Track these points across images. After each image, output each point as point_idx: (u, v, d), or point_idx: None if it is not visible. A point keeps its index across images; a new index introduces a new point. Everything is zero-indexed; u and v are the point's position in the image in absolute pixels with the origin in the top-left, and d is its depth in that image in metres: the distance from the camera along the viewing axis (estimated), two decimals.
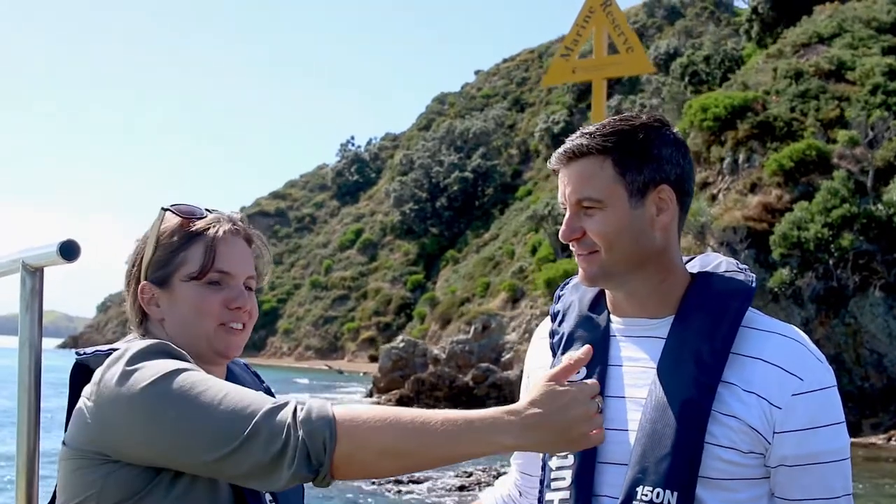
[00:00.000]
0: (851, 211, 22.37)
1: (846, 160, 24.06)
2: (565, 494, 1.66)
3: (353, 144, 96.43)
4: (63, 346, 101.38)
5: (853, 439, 19.61)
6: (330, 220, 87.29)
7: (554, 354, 1.79)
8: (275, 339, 74.06)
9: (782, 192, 24.18)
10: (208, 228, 1.62)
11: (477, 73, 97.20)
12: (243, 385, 1.60)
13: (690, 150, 1.86)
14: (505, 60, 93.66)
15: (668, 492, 1.54)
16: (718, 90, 31.38)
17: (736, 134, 26.25)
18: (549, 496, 1.70)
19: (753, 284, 1.69)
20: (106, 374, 1.47)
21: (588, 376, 1.66)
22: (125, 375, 1.44)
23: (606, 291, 1.77)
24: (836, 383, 1.61)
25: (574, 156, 1.66)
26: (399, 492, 14.72)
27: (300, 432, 1.36)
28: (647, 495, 1.56)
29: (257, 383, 1.77)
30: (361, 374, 53.76)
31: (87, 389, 1.49)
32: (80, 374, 1.57)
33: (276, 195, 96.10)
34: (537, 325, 2.06)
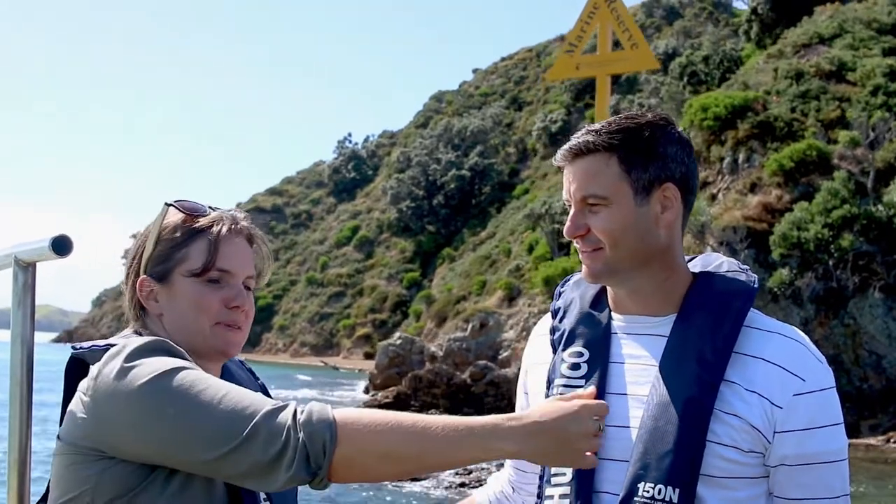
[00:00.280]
0: (852, 212, 22.34)
1: (846, 161, 24.03)
2: (566, 490, 1.67)
3: (350, 141, 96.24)
4: (57, 340, 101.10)
5: (852, 440, 19.61)
6: (326, 217, 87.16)
7: (554, 351, 1.79)
8: (270, 335, 73.95)
9: (782, 192, 24.15)
10: (211, 226, 1.62)
11: (475, 71, 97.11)
12: (239, 382, 1.63)
13: None
14: (503, 59, 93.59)
15: (669, 488, 1.55)
16: (719, 90, 31.33)
17: (736, 134, 26.22)
18: (549, 491, 1.70)
19: (755, 285, 1.70)
20: (104, 370, 1.45)
21: (589, 373, 1.69)
22: (123, 371, 1.43)
23: (608, 288, 1.77)
24: (835, 384, 1.63)
25: (580, 153, 1.67)
26: (399, 489, 14.67)
27: (300, 434, 1.35)
28: (648, 492, 1.56)
29: (252, 380, 1.77)
30: (357, 371, 53.68)
31: (84, 384, 1.48)
32: (76, 369, 1.56)
33: (272, 191, 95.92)
34: (535, 324, 2.08)
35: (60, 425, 1.52)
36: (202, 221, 1.62)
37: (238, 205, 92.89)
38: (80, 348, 1.56)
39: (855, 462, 17.04)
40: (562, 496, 1.67)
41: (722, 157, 26.33)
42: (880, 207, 22.56)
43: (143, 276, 1.62)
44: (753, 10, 45.86)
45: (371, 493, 14.31)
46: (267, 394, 1.68)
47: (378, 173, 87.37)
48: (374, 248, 76.05)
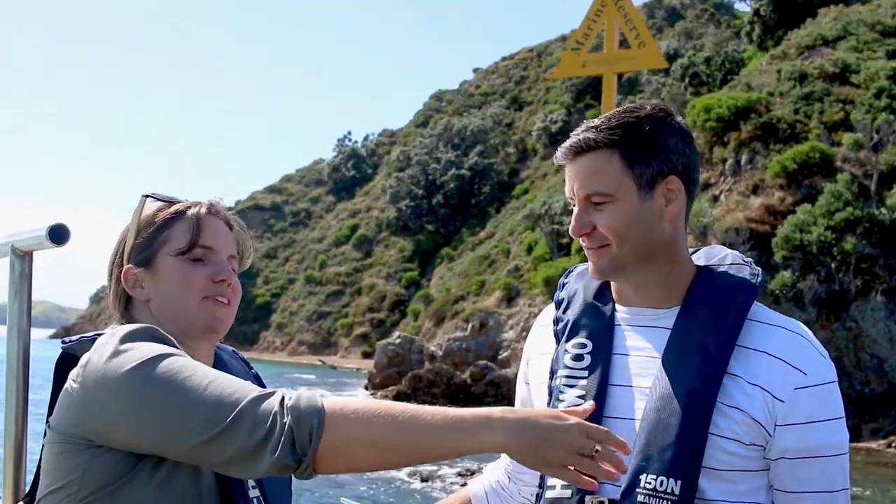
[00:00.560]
0: (855, 214, 22.26)
1: (850, 163, 23.95)
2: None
3: (350, 140, 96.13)
4: (55, 336, 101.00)
5: (853, 445, 19.53)
6: (325, 216, 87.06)
7: (558, 342, 1.79)
8: (268, 333, 73.86)
9: (785, 194, 24.08)
10: (189, 208, 1.64)
11: (475, 71, 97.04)
12: (231, 372, 1.64)
13: None
14: (504, 59, 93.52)
15: (671, 480, 1.56)
16: (722, 91, 31.25)
17: (739, 135, 26.15)
18: (551, 482, 1.69)
19: (759, 278, 1.70)
20: (93, 357, 1.46)
21: (593, 364, 1.69)
22: (111, 358, 1.44)
23: (612, 281, 1.77)
24: (836, 378, 1.63)
25: (581, 150, 1.66)
26: (401, 485, 14.59)
27: (287, 419, 1.34)
28: (650, 483, 1.57)
29: (245, 370, 1.77)
30: (354, 370, 53.61)
31: (74, 372, 1.48)
32: (67, 363, 1.56)
33: (271, 189, 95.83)
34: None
35: (49, 415, 1.51)
36: (180, 206, 1.64)
37: (237, 202, 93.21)
38: (70, 341, 1.56)
39: (856, 466, 16.95)
40: (563, 486, 1.66)
41: (724, 159, 26.27)
42: (883, 210, 22.49)
43: (126, 266, 1.62)
44: (756, 12, 45.85)
45: (371, 491, 14.22)
46: (260, 383, 1.69)
47: (377, 172, 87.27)
48: (372, 247, 75.97)
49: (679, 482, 1.55)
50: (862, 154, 23.95)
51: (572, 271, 1.89)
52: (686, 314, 1.66)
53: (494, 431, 1.36)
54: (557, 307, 1.85)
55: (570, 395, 1.70)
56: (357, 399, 1.42)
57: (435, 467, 16.01)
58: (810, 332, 1.67)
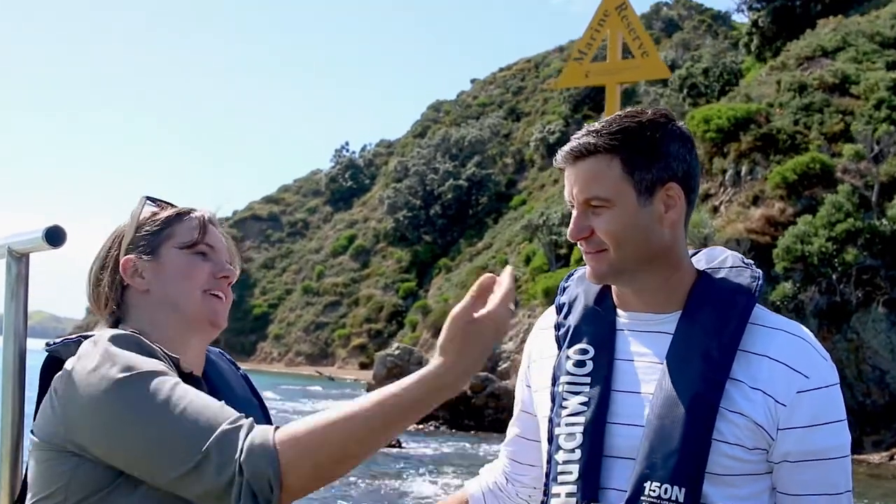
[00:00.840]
0: (856, 225, 22.19)
1: (850, 174, 23.90)
2: (572, 489, 1.66)
3: (347, 150, 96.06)
4: None
5: (854, 456, 19.46)
6: (323, 226, 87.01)
7: (559, 347, 1.79)
8: (265, 344, 73.74)
9: (785, 205, 24.01)
10: (194, 211, 1.69)
11: (473, 81, 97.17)
12: (221, 373, 1.71)
13: None
14: (501, 69, 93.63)
15: (675, 488, 1.55)
16: (721, 102, 31.24)
17: (738, 146, 26.09)
18: (555, 489, 1.69)
19: (761, 280, 1.70)
20: (76, 367, 1.45)
21: (596, 370, 1.69)
22: (93, 371, 1.43)
23: (612, 286, 1.77)
24: (839, 381, 1.64)
25: (581, 155, 1.66)
26: (398, 490, 14.51)
27: (245, 473, 1.33)
28: (654, 490, 1.57)
29: (234, 371, 1.79)
30: (352, 381, 53.49)
31: (56, 380, 1.48)
32: (52, 367, 1.56)
33: (269, 199, 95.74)
34: None
35: (34, 421, 1.51)
36: (184, 208, 1.69)
37: (235, 213, 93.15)
38: (55, 343, 1.56)
39: (858, 478, 16.83)
40: (568, 494, 1.66)
41: (724, 170, 26.20)
42: (884, 221, 22.42)
43: (127, 255, 1.63)
44: (754, 23, 45.95)
45: (371, 491, 14.13)
46: (250, 385, 1.78)
47: (375, 182, 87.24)
48: (370, 258, 75.92)
49: (683, 489, 1.55)
50: (862, 165, 23.89)
51: (573, 275, 1.89)
52: (688, 319, 1.66)
53: (442, 389, 1.38)
54: (558, 312, 1.84)
55: (574, 402, 1.70)
56: (305, 423, 1.39)
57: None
58: (812, 335, 1.66)
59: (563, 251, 40.72)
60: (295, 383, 47.77)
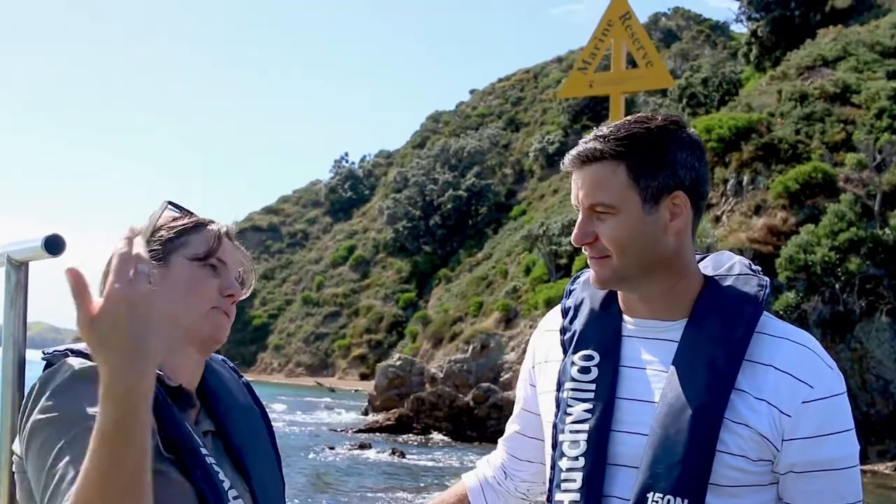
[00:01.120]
0: (858, 235, 22.19)
1: (852, 183, 23.92)
2: (575, 496, 1.65)
3: (346, 161, 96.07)
4: None
5: (860, 467, 19.35)
6: (322, 237, 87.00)
7: (565, 352, 1.77)
8: (265, 354, 73.62)
9: (787, 214, 24.02)
10: (212, 223, 1.68)
11: (472, 92, 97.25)
12: (223, 381, 1.70)
13: None
14: (500, 80, 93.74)
15: (678, 499, 1.54)
16: (722, 111, 31.28)
17: (740, 155, 26.12)
18: (558, 496, 1.68)
19: (768, 289, 1.68)
20: (38, 387, 1.46)
21: (601, 376, 1.68)
22: (36, 402, 1.43)
23: (619, 291, 1.75)
24: (845, 390, 1.61)
25: (587, 159, 1.65)
26: (401, 501, 14.44)
27: None
28: (657, 501, 1.55)
29: (236, 379, 1.77)
30: (353, 392, 53.39)
31: (27, 398, 1.48)
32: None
33: (268, 210, 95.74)
34: None
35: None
36: (202, 219, 1.67)
37: (234, 223, 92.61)
38: (49, 353, 1.56)
39: (865, 488, 16.77)
40: (572, 502, 1.65)
41: (726, 179, 26.22)
42: (887, 231, 22.43)
43: None
44: (753, 33, 46.11)
45: (371, 494, 14.05)
46: (252, 393, 1.76)
47: (374, 193, 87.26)
48: (370, 268, 75.87)
49: (686, 501, 1.54)
50: (865, 174, 23.91)
51: (579, 278, 1.87)
52: (694, 327, 1.64)
53: (125, 403, 1.19)
54: (564, 315, 1.83)
55: (578, 409, 1.68)
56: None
57: None
58: (818, 343, 1.64)
59: (563, 261, 40.70)
60: (298, 394, 47.66)
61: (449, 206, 69.13)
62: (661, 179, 1.62)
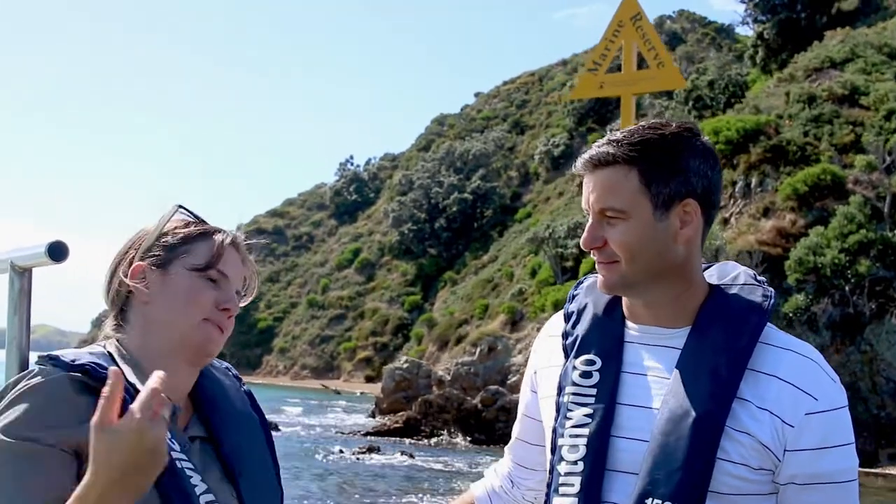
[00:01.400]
0: (868, 237, 22.13)
1: (862, 185, 23.85)
2: (573, 501, 1.64)
3: (351, 164, 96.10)
4: None
5: (869, 470, 19.27)
6: (328, 240, 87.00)
7: (567, 357, 1.77)
8: (270, 357, 73.62)
9: (796, 216, 23.95)
10: (218, 232, 1.66)
11: (477, 95, 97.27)
12: (224, 390, 1.70)
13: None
14: (505, 83, 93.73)
15: None
16: (729, 113, 31.22)
17: (748, 157, 26.06)
18: (556, 501, 1.68)
19: (772, 299, 1.68)
20: (5, 392, 1.46)
21: (602, 382, 1.67)
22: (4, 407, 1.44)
23: (623, 297, 1.75)
24: (847, 403, 1.61)
25: (600, 163, 1.65)
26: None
27: None
28: None
29: (237, 387, 1.76)
30: (358, 394, 53.41)
31: None
32: None
33: (273, 213, 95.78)
34: None
35: None
36: (209, 227, 1.67)
37: (239, 226, 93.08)
38: (45, 358, 1.55)
39: (875, 492, 16.70)
40: None
41: (734, 181, 26.16)
42: None
43: (141, 262, 1.61)
44: (759, 35, 46.04)
45: (384, 499, 14.02)
46: (252, 401, 1.76)
47: (380, 196, 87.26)
48: (375, 271, 75.85)
49: None
50: (874, 176, 23.84)
51: (582, 283, 1.87)
52: (697, 335, 1.64)
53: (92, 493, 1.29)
54: (566, 320, 1.83)
55: (578, 414, 1.68)
56: None
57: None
58: (821, 356, 1.64)
59: (569, 264, 40.66)
60: (306, 396, 47.64)
61: (454, 208, 69.13)
62: (672, 186, 1.62)
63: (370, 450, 22.81)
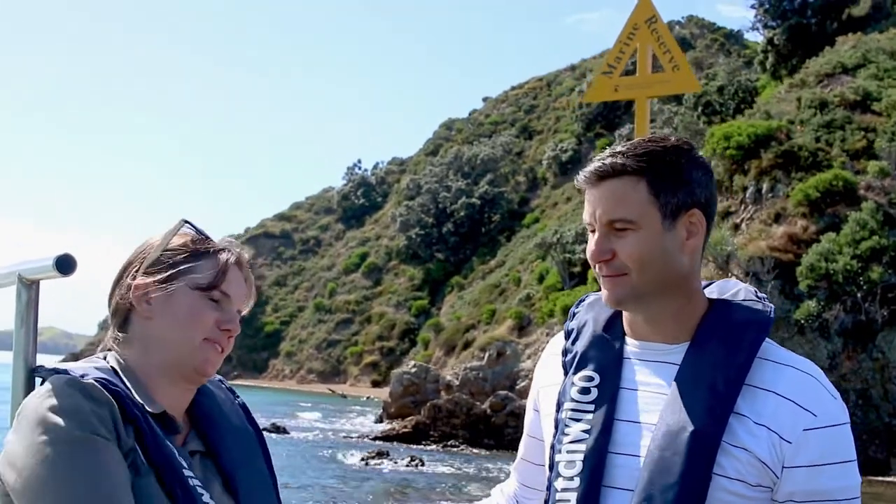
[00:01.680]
0: (881, 243, 21.99)
1: (874, 191, 23.70)
2: None
3: (359, 168, 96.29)
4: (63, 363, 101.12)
5: (881, 479, 19.13)
6: (335, 244, 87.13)
7: (566, 373, 1.77)
8: (277, 361, 73.69)
9: (808, 222, 23.82)
10: (223, 251, 1.65)
11: (485, 100, 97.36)
12: (218, 403, 1.70)
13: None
14: (513, 88, 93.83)
15: None
16: (741, 119, 31.11)
17: (759, 163, 25.94)
18: None
19: (772, 315, 1.68)
20: (26, 407, 1.45)
21: (600, 398, 1.67)
22: (23, 427, 1.43)
23: (623, 312, 1.75)
24: (849, 421, 1.59)
25: (606, 175, 1.64)
26: None
27: None
28: None
29: (231, 399, 1.77)
30: (364, 399, 53.38)
31: (15, 416, 1.48)
32: None
33: (281, 217, 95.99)
34: None
35: None
36: (214, 245, 1.66)
37: (247, 229, 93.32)
38: (43, 370, 1.56)
39: (887, 500, 16.58)
40: None
41: (745, 187, 26.04)
42: None
43: (143, 278, 1.60)
44: (769, 41, 45.93)
45: None
46: (247, 413, 1.76)
47: (387, 200, 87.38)
48: (382, 276, 75.91)
49: None
50: (886, 182, 23.71)
51: (583, 301, 1.88)
52: (695, 350, 1.64)
53: None
54: (567, 337, 1.83)
55: (576, 429, 1.68)
56: None
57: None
58: (822, 373, 1.63)
59: (577, 269, 40.61)
60: (314, 401, 47.64)
61: (462, 213, 69.14)
62: (679, 196, 1.63)
63: (379, 454, 22.74)
